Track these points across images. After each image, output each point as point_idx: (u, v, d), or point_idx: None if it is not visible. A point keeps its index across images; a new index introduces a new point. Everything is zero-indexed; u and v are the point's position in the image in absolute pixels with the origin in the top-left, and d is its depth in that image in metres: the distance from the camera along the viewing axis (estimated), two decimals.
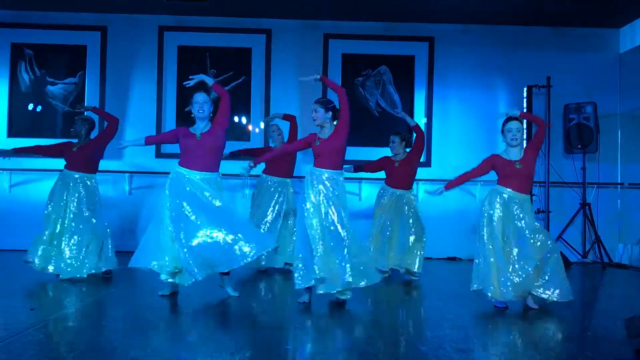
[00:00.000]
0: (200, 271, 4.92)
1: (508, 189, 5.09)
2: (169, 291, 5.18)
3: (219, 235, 4.95)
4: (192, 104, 5.22)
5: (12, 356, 3.36)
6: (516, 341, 4.21)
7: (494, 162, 5.20)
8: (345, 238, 4.91)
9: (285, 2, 7.95)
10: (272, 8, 8.18)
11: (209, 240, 4.93)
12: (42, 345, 3.64)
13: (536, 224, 5.08)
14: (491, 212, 5.06)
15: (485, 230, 5.05)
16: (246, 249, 4.95)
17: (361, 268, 4.99)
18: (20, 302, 4.88)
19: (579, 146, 8.09)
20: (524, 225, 5.01)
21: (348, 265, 4.83)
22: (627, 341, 3.37)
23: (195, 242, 4.93)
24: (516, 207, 5.05)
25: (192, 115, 5.26)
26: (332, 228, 4.91)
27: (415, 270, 6.44)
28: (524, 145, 5.33)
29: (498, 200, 5.08)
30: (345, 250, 4.88)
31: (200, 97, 5.20)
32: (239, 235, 4.97)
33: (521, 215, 5.03)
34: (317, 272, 4.81)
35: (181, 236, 4.95)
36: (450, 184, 5.31)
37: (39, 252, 5.99)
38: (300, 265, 4.94)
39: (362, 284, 5.01)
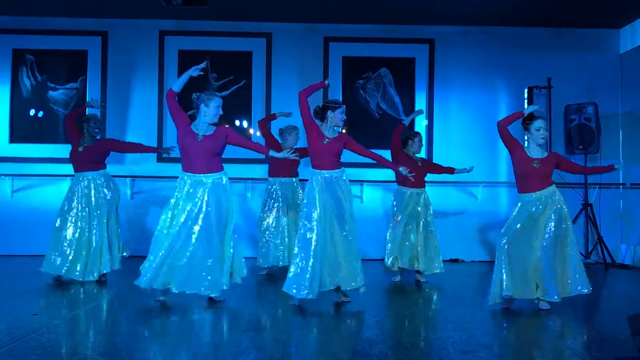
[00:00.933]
0: (175, 286, 4.97)
1: (528, 194, 5.08)
2: (164, 295, 5.16)
3: (203, 261, 4.98)
4: (210, 107, 5.05)
5: None
6: (519, 342, 4.21)
7: (518, 149, 5.16)
8: (351, 240, 5.07)
9: (286, 6, 7.96)
10: (272, 11, 8.19)
11: (195, 263, 4.98)
12: (45, 349, 3.63)
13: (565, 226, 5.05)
14: (514, 221, 5.10)
15: (507, 234, 5.09)
16: (213, 283, 5.00)
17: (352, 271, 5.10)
18: (23, 307, 4.88)
19: (581, 147, 8.08)
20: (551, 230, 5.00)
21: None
22: (630, 339, 3.36)
23: (181, 262, 4.97)
24: (545, 207, 5.03)
25: (204, 117, 5.10)
26: (338, 233, 5.03)
27: (439, 271, 6.49)
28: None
29: (519, 206, 5.11)
30: (347, 252, 5.02)
31: (220, 101, 5.12)
32: (214, 267, 5.01)
33: (552, 216, 5.01)
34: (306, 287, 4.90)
35: (171, 252, 4.99)
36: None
37: (57, 262, 6.04)
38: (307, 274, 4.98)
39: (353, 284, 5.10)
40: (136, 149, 6.54)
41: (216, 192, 5.06)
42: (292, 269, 5.02)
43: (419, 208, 6.53)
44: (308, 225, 5.01)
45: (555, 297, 4.93)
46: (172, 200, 5.09)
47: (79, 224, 6.09)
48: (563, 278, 5.00)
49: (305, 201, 5.14)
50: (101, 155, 6.30)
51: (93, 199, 6.14)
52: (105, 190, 6.20)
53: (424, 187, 6.67)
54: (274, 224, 6.79)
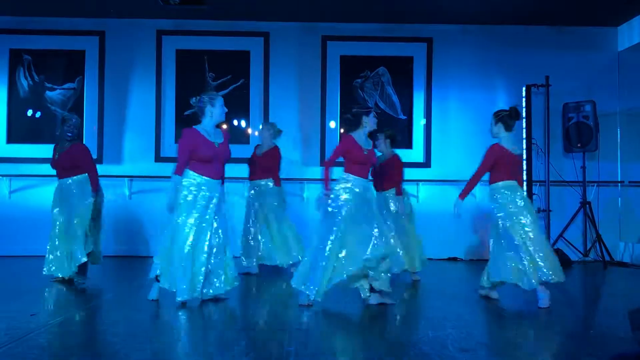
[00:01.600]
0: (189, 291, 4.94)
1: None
2: (157, 295, 5.15)
3: (220, 262, 5.08)
4: (216, 107, 5.01)
5: None
6: (518, 340, 4.20)
7: (498, 153, 5.34)
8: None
9: (283, 5, 7.95)
10: (270, 11, 8.18)
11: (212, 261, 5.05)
12: (43, 350, 3.62)
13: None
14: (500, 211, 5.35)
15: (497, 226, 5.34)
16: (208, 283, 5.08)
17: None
18: (21, 307, 4.86)
19: (579, 145, 8.08)
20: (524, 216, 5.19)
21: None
22: (630, 334, 3.35)
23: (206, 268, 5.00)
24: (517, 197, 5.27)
25: (211, 117, 5.05)
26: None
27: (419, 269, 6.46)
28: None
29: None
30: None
31: (222, 99, 5.10)
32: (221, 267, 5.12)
33: (525, 213, 5.20)
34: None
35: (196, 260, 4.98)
36: (464, 193, 5.47)
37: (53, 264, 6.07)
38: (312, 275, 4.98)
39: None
40: (93, 178, 6.09)
41: (223, 197, 5.16)
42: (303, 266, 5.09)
43: (383, 208, 6.27)
44: (331, 227, 4.98)
45: (533, 281, 4.98)
46: (183, 207, 4.95)
47: (59, 228, 6.08)
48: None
49: (334, 204, 5.05)
50: (74, 162, 6.07)
51: (68, 204, 6.07)
52: (77, 196, 6.07)
53: (386, 190, 6.39)
54: (254, 227, 6.86)
